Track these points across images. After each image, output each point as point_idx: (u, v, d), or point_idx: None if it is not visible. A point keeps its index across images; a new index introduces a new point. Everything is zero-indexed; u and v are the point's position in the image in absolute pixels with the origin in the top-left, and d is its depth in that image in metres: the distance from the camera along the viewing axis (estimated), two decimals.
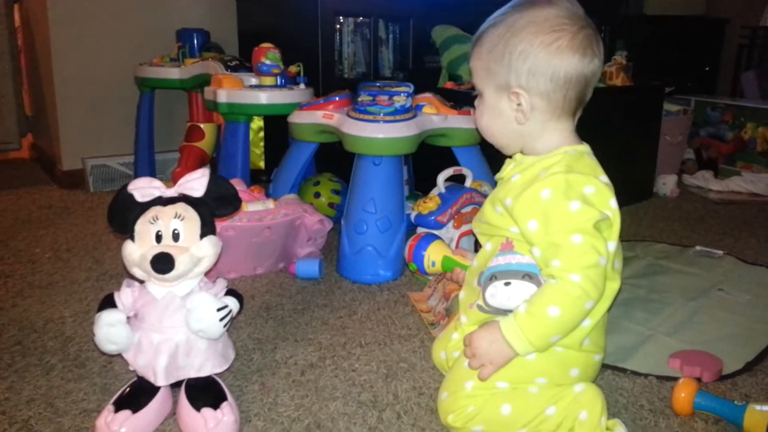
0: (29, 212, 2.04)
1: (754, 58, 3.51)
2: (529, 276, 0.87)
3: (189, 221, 0.96)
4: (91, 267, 1.59)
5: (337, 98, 1.71)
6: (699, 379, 1.09)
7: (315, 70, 2.12)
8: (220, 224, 1.41)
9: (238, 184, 1.65)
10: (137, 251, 0.95)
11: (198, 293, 0.96)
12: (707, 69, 3.60)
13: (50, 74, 2.27)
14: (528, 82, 0.86)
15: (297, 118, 1.74)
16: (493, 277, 0.90)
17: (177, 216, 0.96)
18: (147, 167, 2.29)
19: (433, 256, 1.18)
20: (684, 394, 0.99)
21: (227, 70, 1.98)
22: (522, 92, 0.87)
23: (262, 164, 2.08)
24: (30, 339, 1.22)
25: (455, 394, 0.91)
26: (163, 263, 0.92)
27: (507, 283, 0.89)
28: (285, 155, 1.85)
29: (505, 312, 0.88)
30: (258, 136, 2.04)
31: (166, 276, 0.93)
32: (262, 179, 2.18)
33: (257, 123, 2.03)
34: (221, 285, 1.02)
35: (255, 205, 1.50)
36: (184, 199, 0.98)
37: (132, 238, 0.96)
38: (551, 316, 0.82)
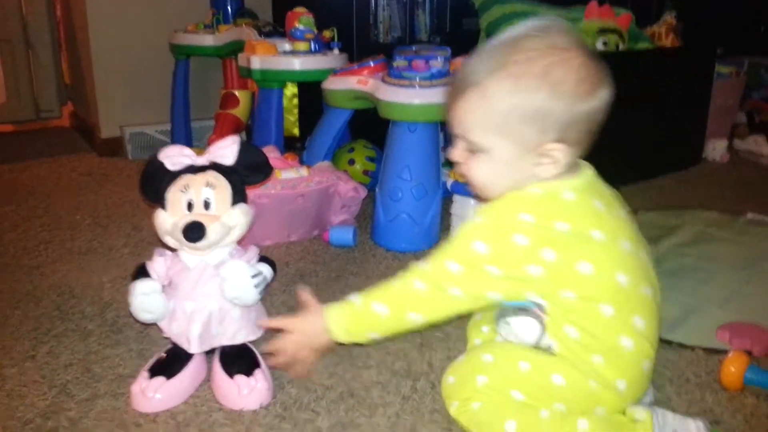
0: (69, 179, 2.07)
1: None
2: (524, 310, 0.81)
3: (220, 189, 0.95)
4: (129, 233, 1.61)
5: (371, 63, 1.66)
6: (749, 353, 1.04)
7: (349, 34, 2.08)
8: (254, 192, 1.39)
9: (272, 152, 1.63)
10: (169, 220, 0.95)
11: (231, 261, 0.96)
12: (762, 29, 3.42)
13: (87, 43, 2.28)
14: (563, 133, 0.75)
15: (331, 84, 1.71)
16: (500, 316, 0.86)
17: (208, 184, 0.95)
18: (183, 135, 2.29)
19: None
20: (734, 368, 0.95)
21: (261, 36, 1.95)
22: (562, 146, 0.75)
23: (296, 131, 2.05)
24: (69, 305, 1.23)
25: (463, 385, 0.84)
26: (194, 232, 0.91)
27: (507, 323, 0.84)
28: (319, 122, 1.83)
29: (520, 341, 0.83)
30: (292, 102, 2.01)
31: (198, 244, 0.92)
32: (296, 146, 2.17)
33: (291, 90, 2.00)
34: (253, 252, 1.01)
35: (288, 173, 1.49)
36: (215, 167, 0.97)
37: (163, 206, 0.96)
38: (376, 312, 0.83)
